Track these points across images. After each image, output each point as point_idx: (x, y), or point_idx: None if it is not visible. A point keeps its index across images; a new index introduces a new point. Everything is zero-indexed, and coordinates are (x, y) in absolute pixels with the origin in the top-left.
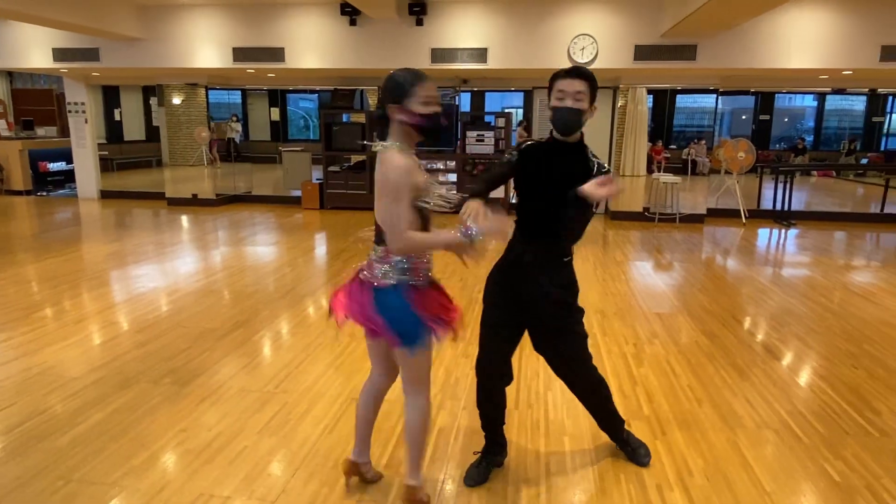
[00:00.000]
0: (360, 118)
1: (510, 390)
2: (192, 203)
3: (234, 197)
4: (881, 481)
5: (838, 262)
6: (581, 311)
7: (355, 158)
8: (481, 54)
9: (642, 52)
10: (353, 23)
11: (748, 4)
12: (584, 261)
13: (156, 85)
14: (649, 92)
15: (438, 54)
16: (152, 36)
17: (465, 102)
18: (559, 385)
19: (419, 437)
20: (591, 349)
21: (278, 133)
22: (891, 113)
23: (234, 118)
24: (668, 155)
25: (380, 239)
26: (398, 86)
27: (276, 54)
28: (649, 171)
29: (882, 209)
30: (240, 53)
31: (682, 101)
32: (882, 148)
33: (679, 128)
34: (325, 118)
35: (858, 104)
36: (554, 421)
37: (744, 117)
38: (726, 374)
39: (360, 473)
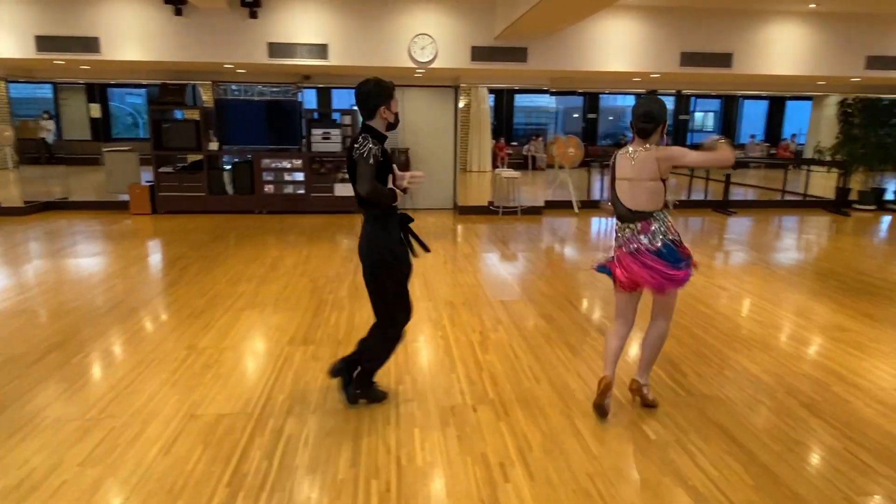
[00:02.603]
0: (195, 115)
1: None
2: None
3: (48, 204)
4: (688, 435)
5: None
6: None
7: (191, 158)
8: (321, 50)
9: (478, 54)
10: (178, 12)
11: (568, 11)
12: (435, 255)
13: None
14: (490, 91)
15: (276, 49)
16: None
17: (310, 99)
18: (411, 376)
19: (657, 350)
20: (440, 340)
21: (101, 132)
22: (694, 111)
23: (46, 115)
24: (511, 151)
25: (632, 217)
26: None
27: (90, 44)
28: (494, 166)
29: (689, 196)
30: (45, 42)
31: (520, 100)
32: (688, 142)
33: (519, 126)
34: (153, 115)
35: (668, 104)
36: (405, 414)
37: (575, 115)
38: (561, 352)
39: (642, 394)
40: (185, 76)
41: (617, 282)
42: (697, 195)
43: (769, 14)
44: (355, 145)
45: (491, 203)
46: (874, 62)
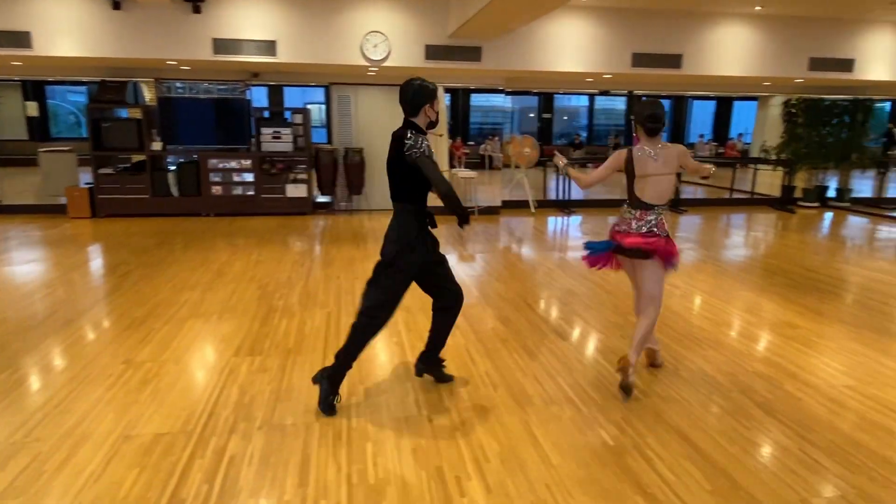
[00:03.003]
0: (137, 113)
1: (312, 405)
2: None
3: None
4: (645, 439)
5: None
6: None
7: (134, 158)
8: (270, 47)
9: (432, 52)
10: (116, 6)
11: (520, 10)
12: None
13: None
14: (447, 91)
15: (222, 45)
16: None
17: (261, 97)
18: (364, 387)
19: (649, 327)
20: (395, 347)
21: (39, 131)
22: None
23: None
24: (468, 151)
25: (646, 207)
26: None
27: (20, 39)
28: (451, 166)
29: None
30: None
31: (476, 100)
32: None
33: (476, 125)
34: (91, 114)
35: (620, 104)
36: (357, 427)
37: (531, 115)
38: (518, 356)
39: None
40: (126, 73)
41: (614, 263)
42: None
43: (717, 16)
44: (406, 141)
45: None
46: (817, 64)
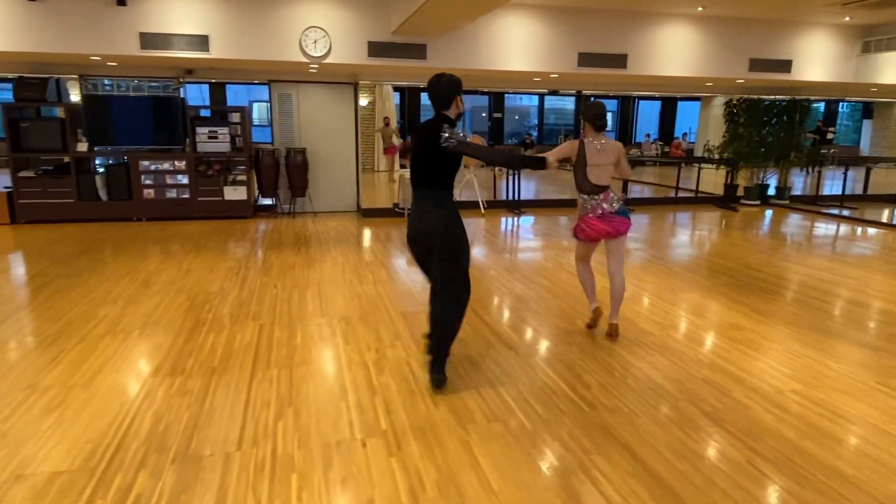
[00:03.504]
0: (60, 112)
1: (234, 432)
2: None
3: None
4: (591, 457)
5: (560, 246)
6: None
7: (66, 160)
8: (202, 42)
9: (375, 49)
10: None
11: (461, 7)
12: (333, 263)
13: None
14: (397, 89)
15: (150, 40)
16: None
17: (202, 95)
18: (293, 409)
19: (622, 294)
20: (331, 361)
21: None
22: None
23: None
24: None
25: (597, 190)
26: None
27: None
28: (402, 166)
29: None
30: None
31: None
32: None
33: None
34: (8, 113)
35: (569, 104)
36: (282, 456)
37: (483, 115)
38: (462, 368)
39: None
40: (47, 69)
41: (583, 238)
42: None
43: (661, 16)
44: (442, 134)
45: (396, 205)
46: (756, 64)
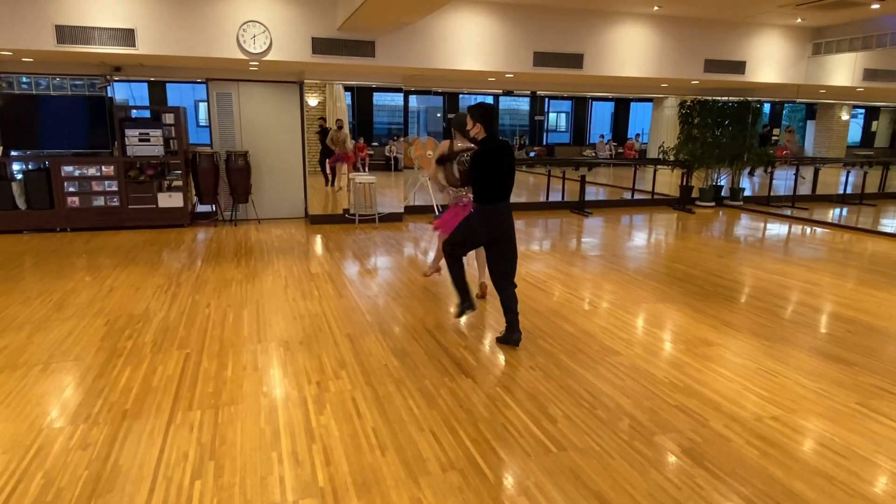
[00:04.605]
0: None
1: (140, 498)
2: None
3: None
4: None
5: (518, 253)
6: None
7: None
8: (127, 36)
9: (320, 46)
10: None
11: (409, 2)
12: (276, 277)
13: None
14: (348, 89)
15: (67, 34)
16: None
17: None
18: (215, 464)
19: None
20: (263, 399)
21: None
22: (548, 112)
23: None
24: (372, 152)
25: (465, 185)
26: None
27: None
28: (355, 168)
29: (547, 197)
30: None
31: (381, 99)
32: (544, 142)
33: (381, 125)
34: None
35: (524, 104)
36: None
37: (438, 115)
38: (414, 402)
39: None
40: None
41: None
42: (555, 196)
43: (617, 15)
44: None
45: (346, 211)
46: (711, 65)
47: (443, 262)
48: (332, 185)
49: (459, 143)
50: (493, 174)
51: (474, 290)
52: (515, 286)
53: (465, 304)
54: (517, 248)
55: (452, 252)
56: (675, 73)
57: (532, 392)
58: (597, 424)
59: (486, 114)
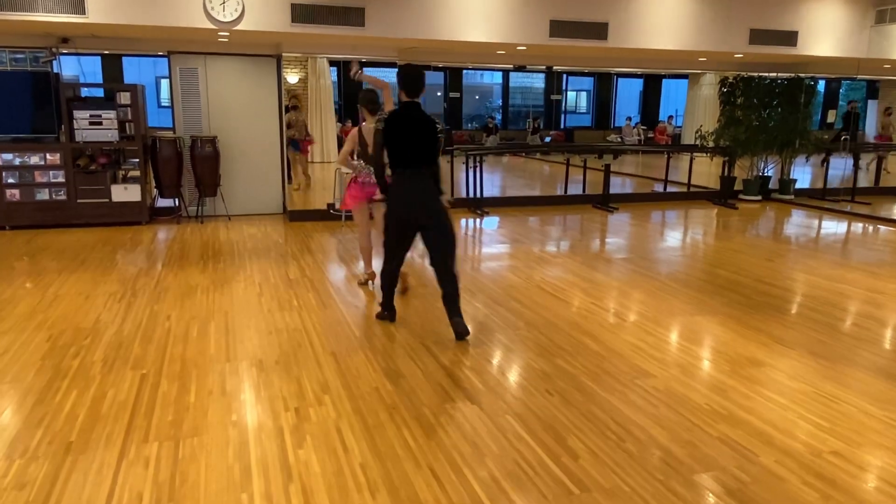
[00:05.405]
0: None
1: None
2: None
3: None
4: None
5: (532, 255)
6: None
7: None
8: (76, 4)
9: (301, 13)
10: None
11: None
12: (248, 284)
13: None
14: (333, 64)
15: (5, 0)
16: None
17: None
18: None
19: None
20: (232, 430)
21: None
22: (566, 91)
23: None
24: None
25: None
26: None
27: None
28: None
29: (565, 190)
30: None
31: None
32: (562, 126)
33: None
34: None
35: (538, 82)
36: None
37: (438, 94)
38: (410, 433)
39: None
40: None
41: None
42: (574, 188)
43: None
44: (437, 124)
45: (331, 206)
46: (758, 36)
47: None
48: (290, 180)
49: (369, 124)
50: (404, 138)
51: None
52: (456, 276)
53: (385, 312)
54: (452, 230)
55: (385, 242)
56: (715, 46)
57: (549, 421)
58: (626, 460)
59: (405, 75)
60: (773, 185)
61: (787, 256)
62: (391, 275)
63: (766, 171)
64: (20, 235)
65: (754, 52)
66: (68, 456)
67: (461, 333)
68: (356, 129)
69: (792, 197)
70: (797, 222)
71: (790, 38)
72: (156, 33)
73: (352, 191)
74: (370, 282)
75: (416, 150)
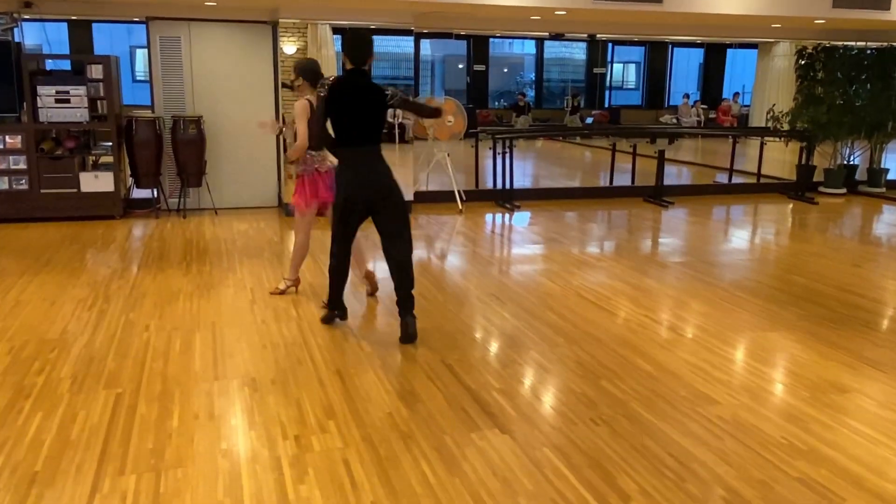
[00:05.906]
0: None
1: None
2: None
3: None
4: None
5: (571, 257)
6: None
7: None
8: None
9: None
10: None
11: None
12: (239, 290)
13: None
14: (337, 31)
15: None
16: None
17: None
18: None
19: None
20: (222, 461)
21: None
22: (612, 63)
23: None
24: None
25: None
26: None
27: None
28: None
29: (610, 181)
30: None
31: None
32: (606, 104)
33: (383, 80)
34: None
35: (579, 53)
36: None
37: (460, 66)
38: (429, 466)
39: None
40: None
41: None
42: (622, 179)
43: None
44: (387, 91)
45: None
46: None
47: (389, 281)
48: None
49: (312, 99)
50: (348, 108)
51: (368, 285)
52: (411, 266)
53: (331, 311)
54: (406, 213)
55: (333, 231)
56: (791, 10)
57: (594, 455)
58: (688, 502)
59: (350, 40)
60: (860, 175)
61: (878, 261)
62: (338, 268)
63: (851, 159)
64: None
65: (839, 17)
66: (32, 489)
67: (411, 336)
68: (306, 101)
69: (883, 190)
70: (889, 220)
71: (882, 0)
72: None
73: (308, 189)
74: (294, 288)
75: (361, 122)
